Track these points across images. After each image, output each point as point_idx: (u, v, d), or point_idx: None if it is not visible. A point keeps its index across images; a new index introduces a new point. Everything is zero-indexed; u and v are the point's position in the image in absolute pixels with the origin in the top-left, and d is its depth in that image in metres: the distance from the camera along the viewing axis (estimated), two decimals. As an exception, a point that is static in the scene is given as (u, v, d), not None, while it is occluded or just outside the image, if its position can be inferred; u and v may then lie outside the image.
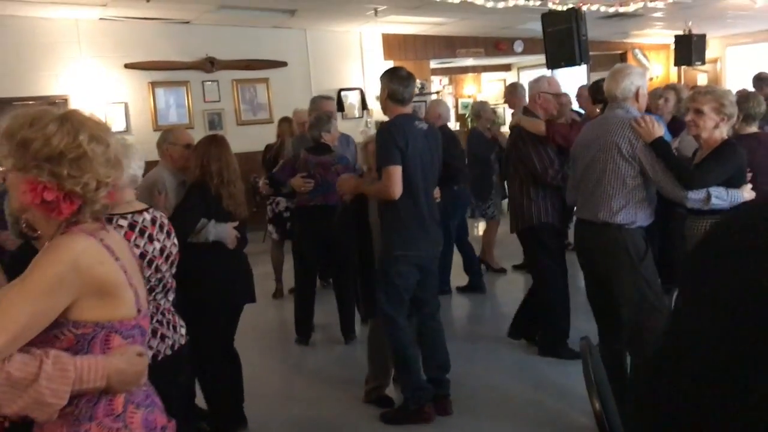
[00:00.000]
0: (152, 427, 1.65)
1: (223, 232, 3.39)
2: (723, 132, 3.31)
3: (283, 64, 9.65)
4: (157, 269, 2.47)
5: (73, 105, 8.19)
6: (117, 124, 8.60)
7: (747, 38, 12.54)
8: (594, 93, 4.43)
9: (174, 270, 2.62)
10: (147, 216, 2.49)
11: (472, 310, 5.92)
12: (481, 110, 6.98)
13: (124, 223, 2.40)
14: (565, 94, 4.90)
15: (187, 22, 8.88)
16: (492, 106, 12.14)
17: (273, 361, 4.91)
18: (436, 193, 3.83)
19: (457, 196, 5.91)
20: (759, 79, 7.42)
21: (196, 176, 3.41)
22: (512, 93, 6.79)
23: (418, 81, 10.93)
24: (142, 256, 2.40)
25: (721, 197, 3.21)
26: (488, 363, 4.55)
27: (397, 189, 3.47)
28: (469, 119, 7.79)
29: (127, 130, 8.59)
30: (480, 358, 4.64)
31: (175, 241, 2.64)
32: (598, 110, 4.39)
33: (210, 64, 9.15)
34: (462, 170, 5.91)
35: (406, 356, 3.70)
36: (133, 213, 2.46)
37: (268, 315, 5.97)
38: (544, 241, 4.42)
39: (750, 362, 1.09)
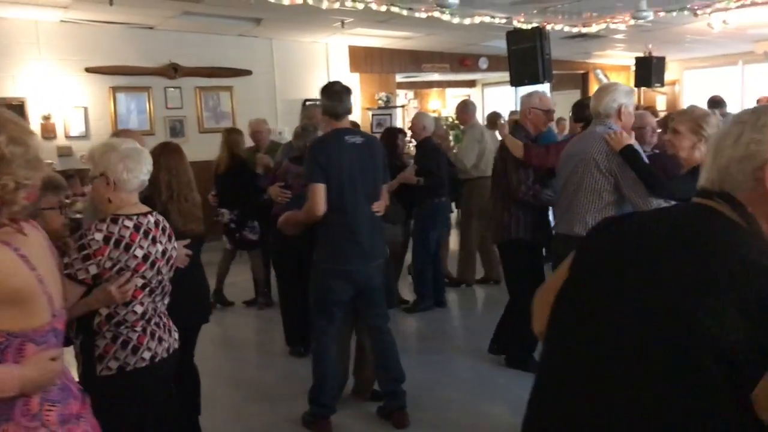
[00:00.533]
0: (68, 419, 1.70)
1: None
2: (703, 152, 3.35)
3: (248, 72, 9.58)
4: (159, 271, 2.51)
5: (30, 108, 8.02)
6: (76, 129, 8.43)
7: (704, 62, 12.89)
8: (576, 111, 4.52)
9: (171, 273, 2.64)
10: (151, 219, 2.53)
11: (433, 323, 5.91)
12: (434, 126, 7.01)
13: (129, 224, 2.42)
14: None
15: (151, 28, 8.76)
16: (456, 122, 12.28)
17: (232, 372, 4.83)
18: (379, 206, 3.72)
19: (437, 208, 5.92)
20: (713, 102, 7.65)
21: (148, 189, 3.25)
22: (463, 110, 6.86)
23: (383, 94, 11.07)
24: (146, 257, 2.44)
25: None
26: (448, 375, 4.56)
27: (320, 206, 3.49)
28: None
29: (86, 136, 8.42)
30: (440, 370, 4.64)
31: (176, 244, 2.68)
32: (579, 128, 4.50)
33: (173, 71, 9.04)
34: (444, 183, 5.92)
35: (321, 369, 3.73)
36: (138, 215, 2.48)
37: (227, 325, 5.89)
38: (521, 255, 4.44)
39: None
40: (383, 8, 7.13)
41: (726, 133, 1.28)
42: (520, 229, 4.37)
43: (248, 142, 6.41)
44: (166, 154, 3.21)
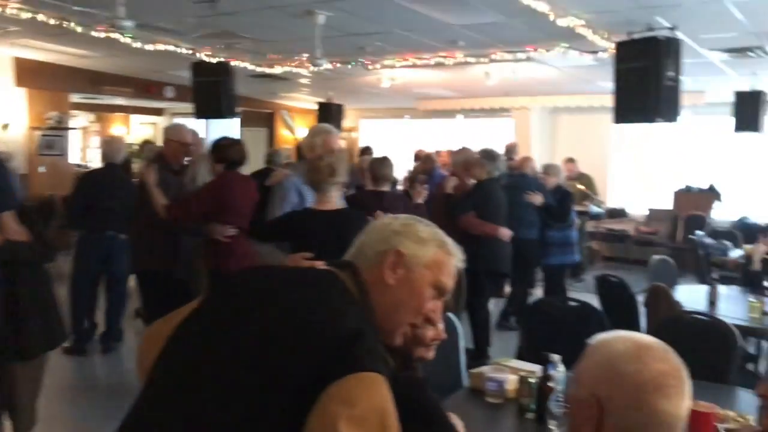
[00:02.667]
0: None
1: None
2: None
3: None
4: None
5: None
6: None
7: (378, 113, 14.21)
8: (215, 152, 4.55)
9: None
10: None
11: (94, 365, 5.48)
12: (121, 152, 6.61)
13: None
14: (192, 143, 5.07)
15: None
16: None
17: None
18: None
19: (86, 243, 5.48)
20: (363, 153, 8.80)
21: None
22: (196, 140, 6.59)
23: (55, 113, 10.12)
24: None
25: (263, 254, 3.51)
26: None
27: None
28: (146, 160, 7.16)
29: None
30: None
31: None
32: (221, 169, 4.57)
33: None
34: (119, 215, 5.50)
35: None
36: None
37: None
38: (154, 285, 4.51)
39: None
40: (53, 21, 6.55)
41: (376, 225, 1.52)
42: (154, 258, 4.48)
43: None
44: None
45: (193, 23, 6.68)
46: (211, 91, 7.47)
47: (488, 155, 5.71)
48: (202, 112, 7.77)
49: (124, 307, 5.88)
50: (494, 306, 7.65)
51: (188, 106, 8.22)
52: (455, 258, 1.50)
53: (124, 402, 1.38)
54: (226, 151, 4.45)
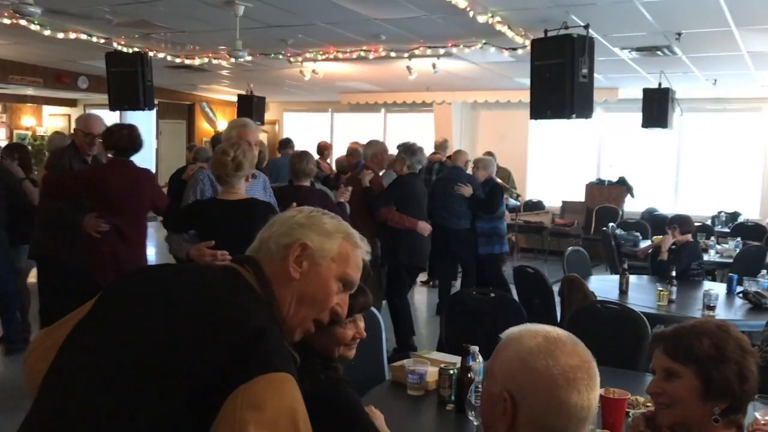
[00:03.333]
0: None
1: None
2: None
3: None
4: None
5: None
6: None
7: (301, 106, 14.08)
8: (106, 138, 4.42)
9: None
10: None
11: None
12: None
13: None
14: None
15: None
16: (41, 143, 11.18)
17: None
18: None
19: None
20: (283, 145, 8.78)
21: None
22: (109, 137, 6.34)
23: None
24: None
25: (171, 245, 3.40)
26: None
27: None
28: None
29: None
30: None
31: None
32: (110, 155, 4.43)
33: None
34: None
35: None
36: None
37: None
38: (52, 274, 4.44)
39: None
40: (-48, 6, 6.18)
41: (279, 218, 1.49)
42: (51, 244, 4.40)
43: None
44: None
45: (106, 11, 6.43)
46: (127, 82, 7.22)
47: (408, 149, 5.76)
48: (118, 104, 7.51)
49: (14, 305, 5.47)
50: (423, 296, 7.77)
51: (104, 97, 7.92)
52: (361, 250, 1.48)
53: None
54: (111, 136, 4.23)
